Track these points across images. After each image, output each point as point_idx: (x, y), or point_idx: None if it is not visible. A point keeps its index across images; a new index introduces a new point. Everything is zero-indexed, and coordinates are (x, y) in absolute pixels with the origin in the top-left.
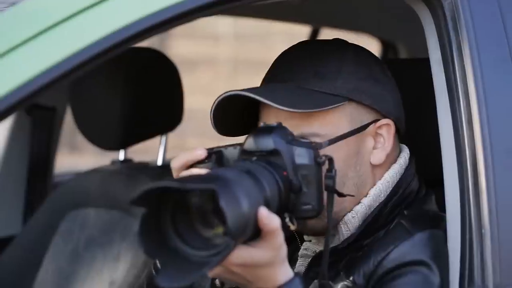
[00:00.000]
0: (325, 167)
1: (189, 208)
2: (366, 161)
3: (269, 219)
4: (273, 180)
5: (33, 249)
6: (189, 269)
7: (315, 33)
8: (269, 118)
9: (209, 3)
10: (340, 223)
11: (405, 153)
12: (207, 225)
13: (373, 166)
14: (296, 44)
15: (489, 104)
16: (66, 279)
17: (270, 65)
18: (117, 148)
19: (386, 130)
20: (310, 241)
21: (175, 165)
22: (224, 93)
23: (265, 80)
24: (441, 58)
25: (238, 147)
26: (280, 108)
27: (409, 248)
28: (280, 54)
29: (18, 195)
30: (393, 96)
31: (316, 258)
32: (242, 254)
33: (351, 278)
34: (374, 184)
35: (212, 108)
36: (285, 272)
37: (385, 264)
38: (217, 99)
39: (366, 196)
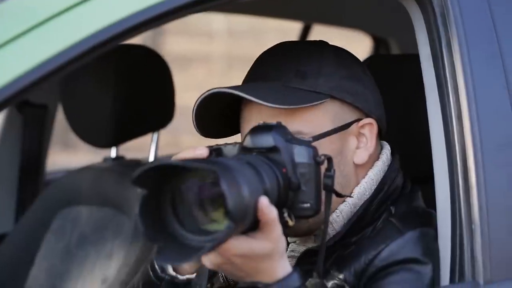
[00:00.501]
0: (324, 166)
1: (189, 194)
2: (349, 160)
3: (269, 209)
4: (273, 174)
5: (25, 247)
6: (187, 252)
7: (307, 29)
8: (251, 117)
9: None
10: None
11: (386, 150)
12: (206, 211)
13: (356, 166)
14: (277, 44)
15: (479, 100)
16: (59, 277)
17: (252, 63)
18: (108, 145)
19: (369, 129)
20: (295, 242)
21: None
22: (206, 91)
23: (246, 80)
24: (430, 54)
25: (238, 145)
26: (263, 104)
27: (400, 247)
28: (261, 54)
29: (9, 193)
30: (374, 96)
31: (302, 258)
32: (241, 244)
33: (341, 276)
34: (358, 183)
35: (194, 107)
36: (284, 266)
37: (377, 262)
38: (199, 98)
39: (350, 194)
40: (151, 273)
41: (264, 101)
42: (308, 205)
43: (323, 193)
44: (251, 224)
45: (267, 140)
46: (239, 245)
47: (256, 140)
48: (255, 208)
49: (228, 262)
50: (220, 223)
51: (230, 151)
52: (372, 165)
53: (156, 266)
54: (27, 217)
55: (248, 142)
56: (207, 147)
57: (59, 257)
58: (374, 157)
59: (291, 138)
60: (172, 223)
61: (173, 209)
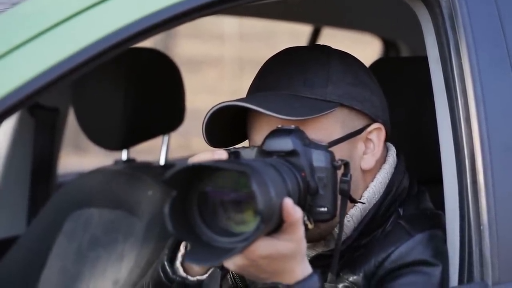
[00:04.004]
0: (340, 171)
1: (215, 195)
2: (357, 166)
3: (294, 210)
4: (293, 177)
5: (37, 249)
6: (215, 253)
7: (316, 32)
8: (261, 127)
9: (209, 2)
10: (336, 228)
11: (392, 151)
12: (232, 212)
13: (364, 171)
14: (282, 51)
15: (487, 102)
16: (70, 279)
17: (257, 72)
18: (119, 148)
19: (377, 134)
20: None
21: None
22: (217, 104)
23: (254, 88)
24: (439, 56)
25: (255, 148)
26: (275, 117)
27: (409, 249)
28: (267, 62)
29: (21, 196)
30: (380, 100)
31: (313, 262)
32: (267, 245)
33: (351, 279)
34: (366, 187)
35: (204, 119)
36: (305, 267)
37: (386, 265)
38: (210, 110)
39: (360, 199)
40: (161, 274)
41: (276, 113)
42: (326, 209)
43: (338, 197)
44: (275, 226)
45: (286, 144)
46: (265, 246)
47: (275, 144)
48: (280, 209)
49: (253, 264)
50: (248, 224)
51: (248, 154)
52: (379, 169)
53: (167, 268)
54: (39, 219)
55: (267, 145)
56: (225, 149)
57: (71, 259)
58: (381, 161)
59: (309, 143)
60: (199, 224)
61: (200, 210)
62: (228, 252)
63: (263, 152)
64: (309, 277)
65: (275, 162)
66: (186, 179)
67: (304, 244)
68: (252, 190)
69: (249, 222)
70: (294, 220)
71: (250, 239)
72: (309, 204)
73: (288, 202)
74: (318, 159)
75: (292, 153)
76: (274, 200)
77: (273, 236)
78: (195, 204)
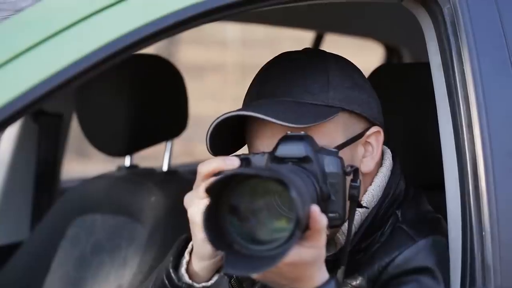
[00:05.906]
0: (349, 177)
1: (247, 204)
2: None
3: (321, 217)
4: (311, 184)
5: (41, 254)
6: (251, 262)
7: (319, 38)
8: (264, 135)
9: (212, 9)
10: (337, 233)
11: (388, 154)
12: (265, 220)
13: (363, 174)
14: (278, 57)
15: (489, 108)
16: (74, 284)
17: (254, 79)
18: (123, 154)
19: (375, 138)
20: None
21: (204, 170)
22: (222, 115)
23: (254, 96)
24: (441, 62)
25: (266, 155)
26: (282, 125)
27: (413, 254)
28: (265, 69)
29: (25, 202)
30: (376, 102)
31: None
32: (292, 252)
33: (354, 283)
34: (365, 191)
35: (209, 131)
36: (323, 273)
37: (390, 270)
38: (214, 121)
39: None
40: (166, 281)
41: (283, 121)
42: (337, 215)
43: (347, 203)
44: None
45: (299, 150)
46: (290, 253)
47: (289, 150)
48: (308, 216)
49: (276, 270)
50: (280, 232)
51: (258, 161)
52: (377, 172)
53: (173, 275)
54: (43, 225)
55: (280, 151)
56: (235, 155)
57: (74, 265)
58: (379, 163)
59: (320, 149)
60: (231, 232)
61: (231, 219)
62: (271, 260)
63: (275, 158)
64: (327, 283)
65: (295, 169)
66: (218, 187)
67: (324, 250)
68: (292, 198)
69: (282, 229)
70: (320, 227)
71: (288, 246)
72: (322, 210)
73: (316, 210)
74: (330, 164)
75: (305, 159)
76: (306, 208)
77: (297, 243)
78: (226, 213)
